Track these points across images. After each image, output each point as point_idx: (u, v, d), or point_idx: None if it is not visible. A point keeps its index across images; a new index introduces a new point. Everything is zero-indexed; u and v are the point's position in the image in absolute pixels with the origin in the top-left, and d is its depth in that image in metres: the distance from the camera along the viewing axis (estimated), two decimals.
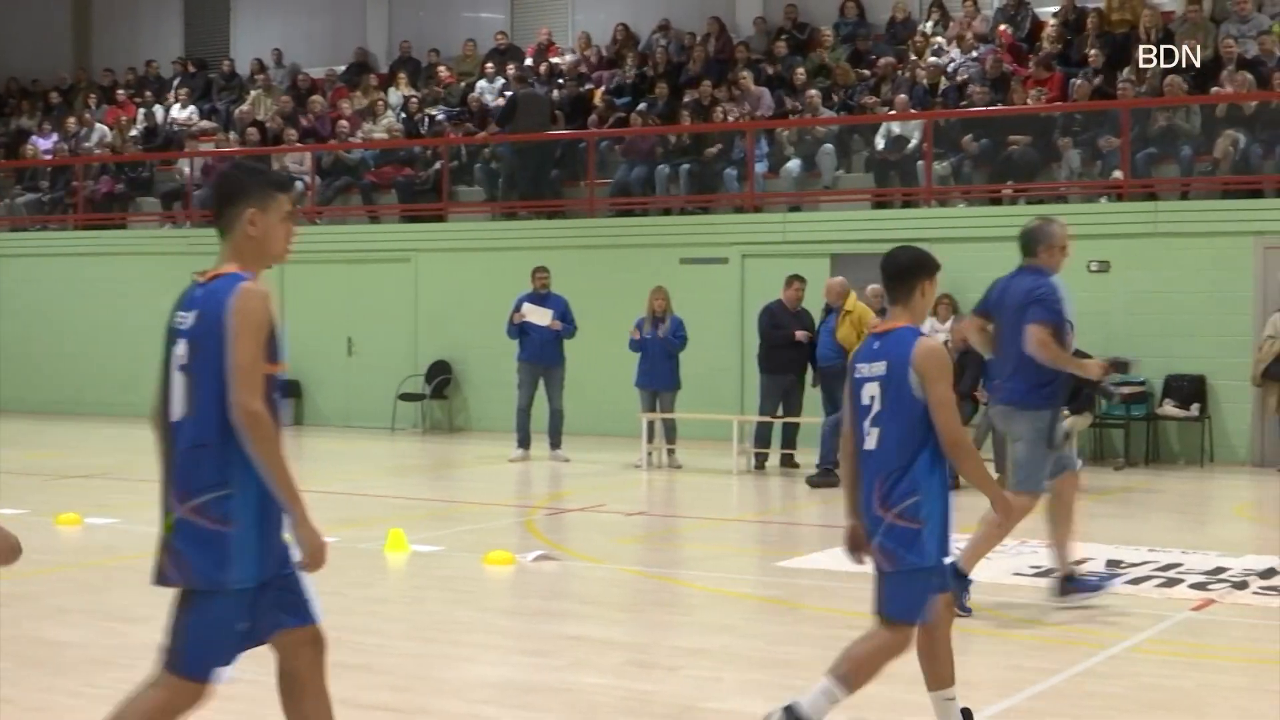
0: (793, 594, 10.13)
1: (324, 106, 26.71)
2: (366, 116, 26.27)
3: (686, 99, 23.50)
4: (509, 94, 24.86)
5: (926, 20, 24.02)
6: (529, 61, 26.42)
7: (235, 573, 4.88)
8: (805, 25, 24.87)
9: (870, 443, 6.08)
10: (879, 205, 21.21)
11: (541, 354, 18.39)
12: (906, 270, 6.25)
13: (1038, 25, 22.94)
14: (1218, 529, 14.26)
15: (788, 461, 17.66)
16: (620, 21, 26.29)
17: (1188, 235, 18.51)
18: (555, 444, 18.43)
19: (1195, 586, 10.28)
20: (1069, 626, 9.03)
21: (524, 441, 18.48)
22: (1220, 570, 10.82)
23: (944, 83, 22.15)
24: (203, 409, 4.90)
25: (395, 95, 26.73)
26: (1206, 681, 7.79)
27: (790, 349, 17.36)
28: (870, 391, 6.14)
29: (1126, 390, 18.09)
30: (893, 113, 21.52)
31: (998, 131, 20.62)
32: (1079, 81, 20.77)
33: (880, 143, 21.25)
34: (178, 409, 4.98)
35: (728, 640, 8.80)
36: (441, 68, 27.11)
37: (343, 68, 28.58)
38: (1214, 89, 19.99)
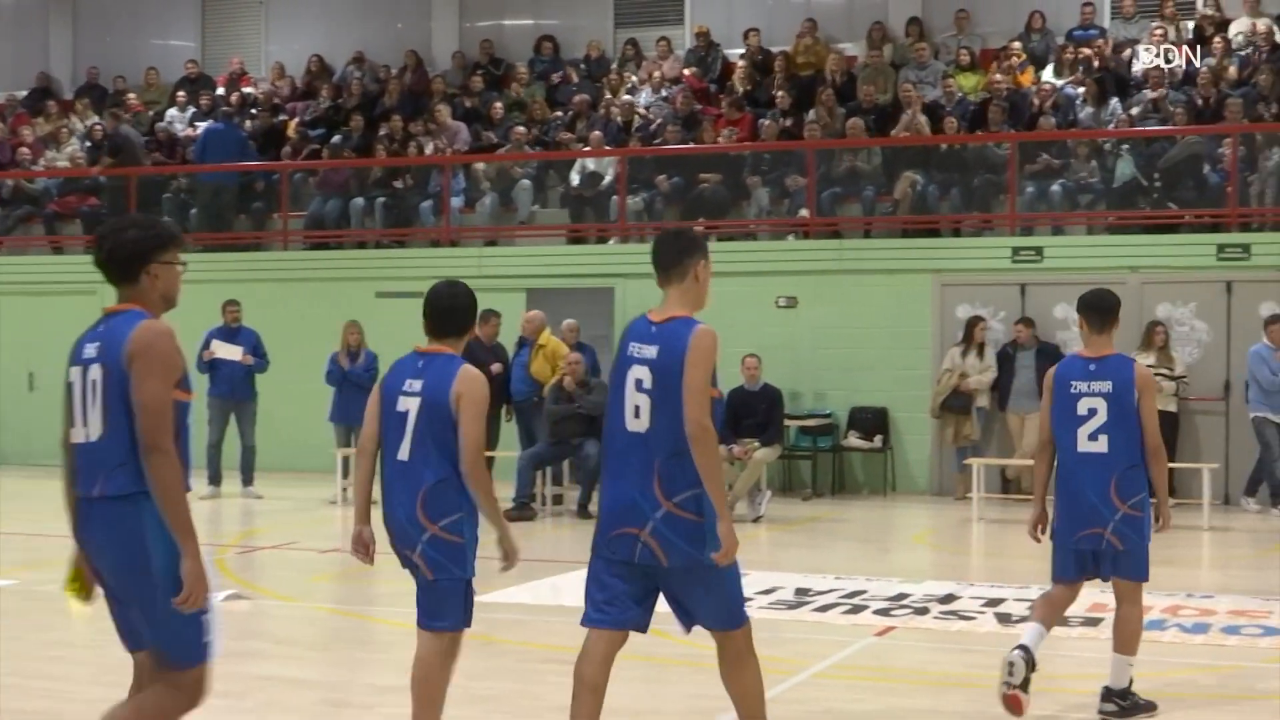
0: (489, 628, 10.12)
1: (4, 133, 25.81)
2: (49, 144, 25.48)
3: (382, 132, 23.38)
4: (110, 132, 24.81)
5: (620, 59, 24.39)
6: (221, 91, 25.98)
7: (709, 550, 5.99)
8: (501, 61, 25.00)
9: (1099, 447, 7.63)
10: (574, 241, 21.43)
11: (232, 389, 18.07)
12: (1115, 308, 7.91)
13: (728, 67, 23.49)
14: (900, 556, 14.76)
15: None
16: (314, 53, 26.04)
17: (870, 273, 19.15)
18: (247, 480, 18.11)
19: (879, 613, 10.63)
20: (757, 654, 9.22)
21: (215, 478, 18.11)
22: (902, 596, 11.20)
23: (637, 120, 22.50)
24: (670, 425, 6.02)
25: (79, 123, 25.99)
26: (890, 705, 8.06)
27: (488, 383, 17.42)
28: (1089, 405, 7.67)
29: (813, 422, 18.66)
30: (587, 149, 21.79)
31: (689, 169, 21.04)
32: (767, 122, 21.34)
33: (575, 179, 21.48)
34: (639, 424, 6.09)
35: None
36: (130, 95, 26.46)
37: (24, 93, 27.64)
38: (893, 132, 20.76)
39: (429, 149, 22.86)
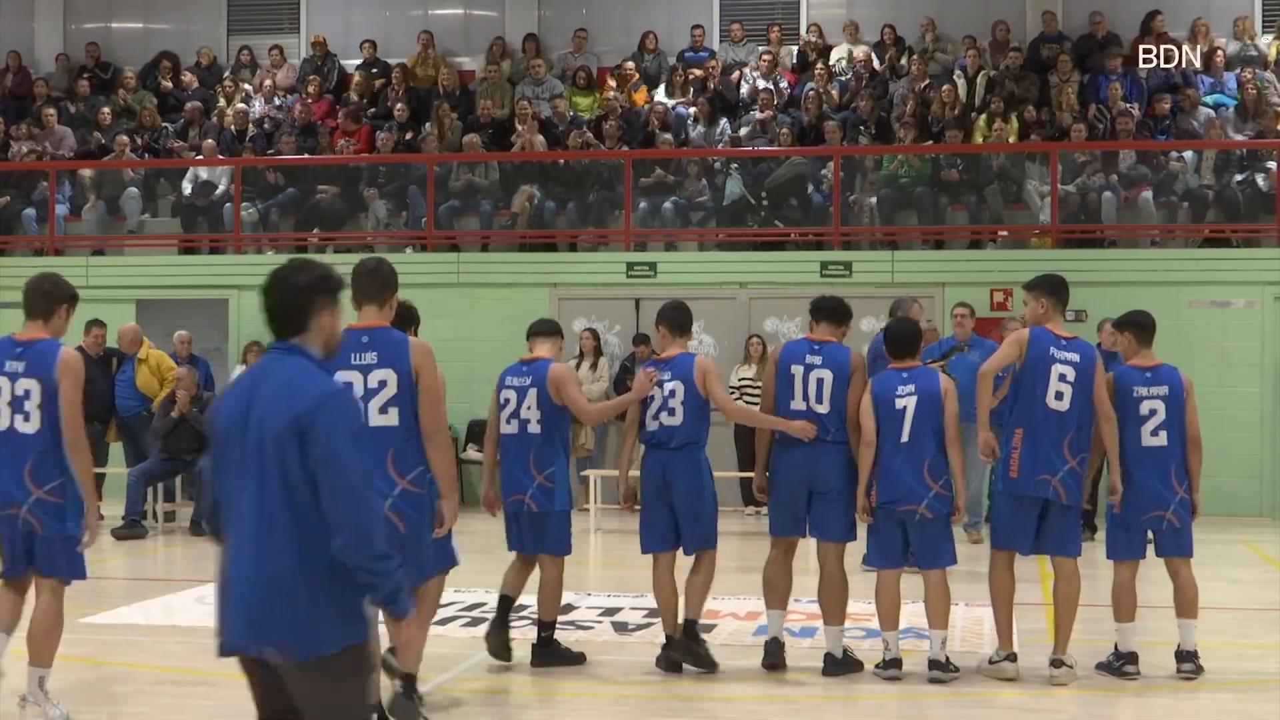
0: (98, 650, 9.81)
1: None
2: None
3: None
4: None
5: (234, 66, 23.93)
6: None
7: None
8: (109, 65, 24.24)
9: (1160, 440, 8.95)
10: (186, 251, 20.93)
11: None
12: (1154, 324, 9.24)
13: (345, 77, 23.30)
14: None
15: None
16: None
17: (489, 286, 19.27)
18: None
19: None
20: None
21: None
22: (521, 608, 11.28)
23: (252, 129, 22.13)
24: (1082, 407, 8.79)
25: None
26: (510, 717, 8.15)
27: (93, 397, 16.89)
28: (1151, 405, 8.97)
29: None
30: (200, 157, 21.32)
31: (306, 180, 20.79)
32: (384, 134, 21.26)
33: (187, 187, 20.98)
34: (1060, 404, 8.76)
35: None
36: None
37: None
38: (514, 148, 20.94)
39: (33, 154, 22.01)
